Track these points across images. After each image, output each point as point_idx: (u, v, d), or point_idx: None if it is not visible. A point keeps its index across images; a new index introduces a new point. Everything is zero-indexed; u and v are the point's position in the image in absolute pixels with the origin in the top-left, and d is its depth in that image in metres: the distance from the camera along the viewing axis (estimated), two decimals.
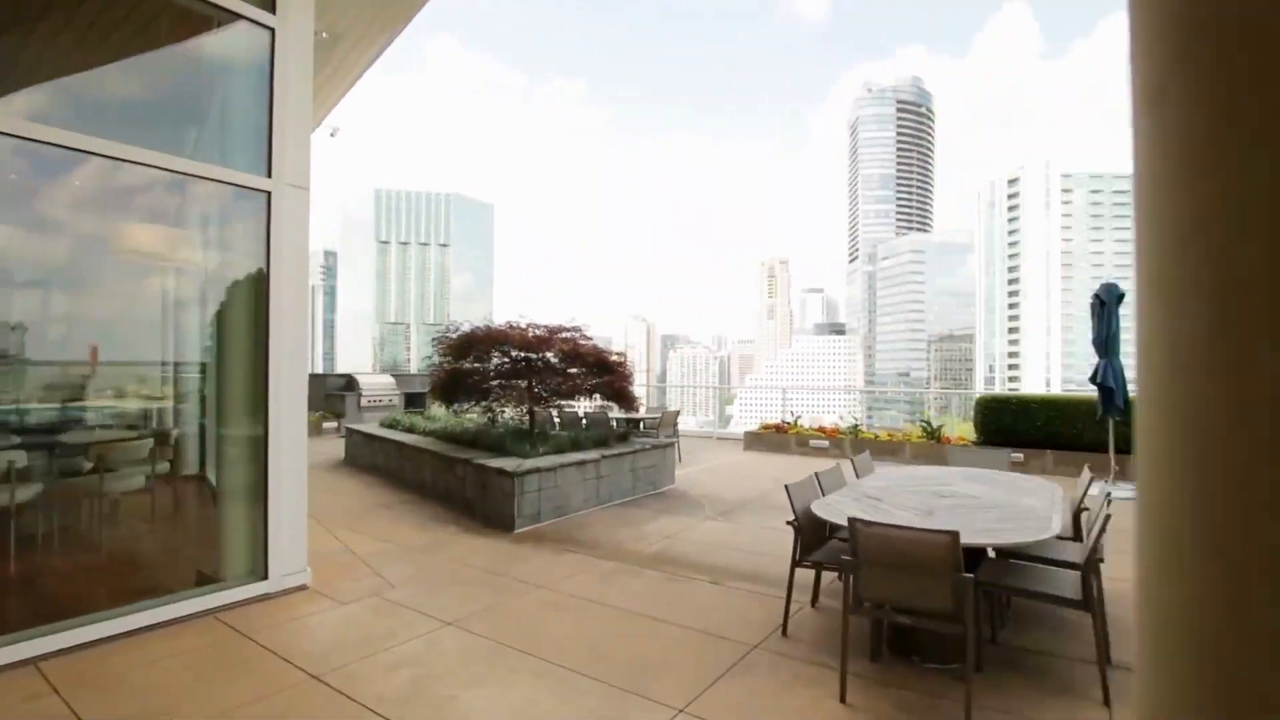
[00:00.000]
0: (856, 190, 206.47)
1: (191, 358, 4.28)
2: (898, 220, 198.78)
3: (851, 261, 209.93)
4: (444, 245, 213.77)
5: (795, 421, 12.01)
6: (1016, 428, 9.49)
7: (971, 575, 2.78)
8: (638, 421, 10.17)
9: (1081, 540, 4.15)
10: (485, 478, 6.49)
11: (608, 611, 4.09)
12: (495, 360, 7.96)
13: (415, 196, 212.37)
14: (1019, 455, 8.80)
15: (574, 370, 7.92)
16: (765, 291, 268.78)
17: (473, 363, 8.05)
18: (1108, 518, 3.07)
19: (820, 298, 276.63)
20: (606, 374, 7.98)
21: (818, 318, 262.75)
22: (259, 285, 4.27)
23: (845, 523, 3.13)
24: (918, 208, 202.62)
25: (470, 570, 4.90)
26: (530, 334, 7.74)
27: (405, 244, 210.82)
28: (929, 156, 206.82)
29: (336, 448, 10.97)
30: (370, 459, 9.39)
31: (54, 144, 3.50)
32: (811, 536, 3.85)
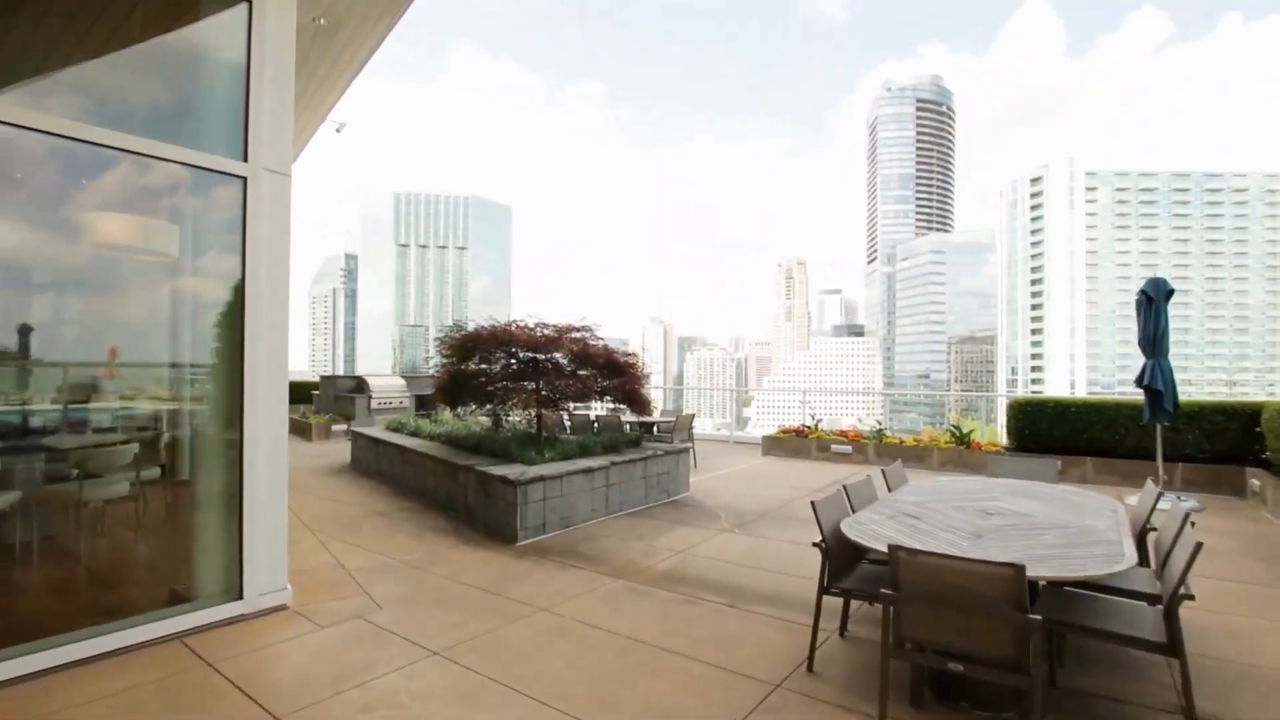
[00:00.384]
0: (875, 190, 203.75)
1: (160, 358, 3.93)
2: (917, 220, 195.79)
3: (870, 262, 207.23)
4: (462, 248, 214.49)
5: (816, 425, 11.52)
6: (1053, 433, 8.93)
7: (1038, 616, 2.33)
8: (651, 425, 9.75)
9: (1148, 565, 3.68)
10: (487, 485, 6.11)
11: (613, 641, 3.68)
12: (501, 361, 7.57)
13: (434, 199, 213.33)
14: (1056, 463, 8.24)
15: (584, 372, 7.52)
16: (783, 293, 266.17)
17: (478, 364, 7.68)
18: (1198, 545, 2.59)
19: (839, 299, 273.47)
20: (618, 375, 7.57)
21: (836, 319, 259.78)
22: (234, 279, 3.92)
23: (883, 548, 2.70)
24: (938, 207, 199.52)
25: (465, 589, 4.52)
26: (538, 334, 7.32)
27: (424, 247, 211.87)
28: (949, 155, 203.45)
29: (344, 451, 10.70)
30: (374, 464, 9.07)
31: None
32: (840, 559, 3.41)
